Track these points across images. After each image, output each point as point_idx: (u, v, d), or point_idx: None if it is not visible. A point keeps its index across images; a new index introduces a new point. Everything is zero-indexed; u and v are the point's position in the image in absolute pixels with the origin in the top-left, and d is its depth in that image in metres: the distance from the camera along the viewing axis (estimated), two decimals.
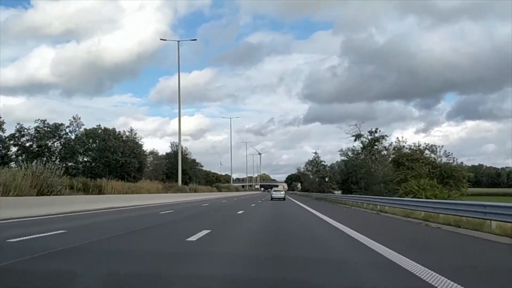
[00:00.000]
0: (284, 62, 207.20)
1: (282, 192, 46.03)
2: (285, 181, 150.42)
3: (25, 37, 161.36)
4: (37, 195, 16.45)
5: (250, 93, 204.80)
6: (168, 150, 72.37)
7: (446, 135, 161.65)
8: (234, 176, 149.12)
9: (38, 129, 39.77)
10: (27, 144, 39.66)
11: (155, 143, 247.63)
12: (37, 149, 39.13)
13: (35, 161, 26.65)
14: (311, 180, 73.36)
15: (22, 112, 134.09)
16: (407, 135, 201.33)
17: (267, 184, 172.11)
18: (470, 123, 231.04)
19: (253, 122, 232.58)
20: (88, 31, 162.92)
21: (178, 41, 49.18)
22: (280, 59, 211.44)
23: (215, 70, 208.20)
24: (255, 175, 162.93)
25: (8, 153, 39.08)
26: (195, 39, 55.32)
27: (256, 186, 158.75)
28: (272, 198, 43.47)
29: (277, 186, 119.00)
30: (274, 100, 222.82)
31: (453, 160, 35.56)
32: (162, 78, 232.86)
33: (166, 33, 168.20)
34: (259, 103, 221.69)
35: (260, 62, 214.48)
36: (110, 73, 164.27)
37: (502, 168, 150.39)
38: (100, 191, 26.63)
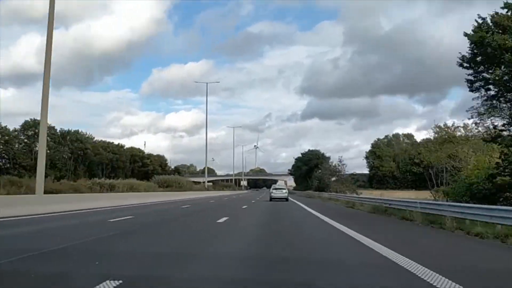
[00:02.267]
0: (285, 55, 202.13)
1: (284, 191, 35.67)
2: (291, 173, 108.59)
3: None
4: None
5: (248, 87, 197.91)
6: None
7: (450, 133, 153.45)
8: (221, 172, 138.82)
9: None
10: None
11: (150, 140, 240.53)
12: None
13: None
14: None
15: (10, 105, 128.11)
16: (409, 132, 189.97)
17: (260, 178, 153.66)
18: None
19: (250, 118, 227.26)
20: (77, 17, 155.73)
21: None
22: (281, 51, 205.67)
23: (212, 62, 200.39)
24: (248, 170, 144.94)
25: None
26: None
27: (243, 184, 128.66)
28: (271, 199, 33.85)
29: (275, 182, 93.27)
30: (272, 94, 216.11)
31: None
32: (156, 69, 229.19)
33: (161, 21, 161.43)
34: (256, 97, 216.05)
35: (260, 54, 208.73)
36: (100, 63, 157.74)
37: None
38: None
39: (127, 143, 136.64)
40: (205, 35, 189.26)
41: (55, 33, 21.16)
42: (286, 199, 33.94)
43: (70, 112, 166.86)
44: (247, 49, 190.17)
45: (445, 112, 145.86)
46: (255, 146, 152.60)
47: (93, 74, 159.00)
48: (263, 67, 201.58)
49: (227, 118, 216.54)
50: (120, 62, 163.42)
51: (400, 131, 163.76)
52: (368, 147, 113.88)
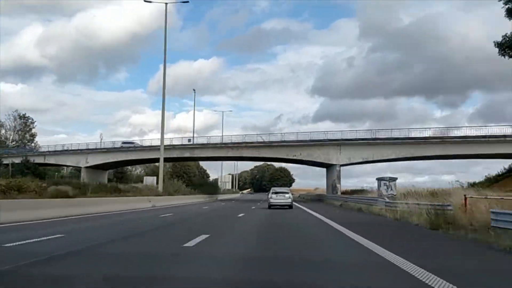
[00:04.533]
0: (298, 54, 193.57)
1: (287, 195, 27.78)
2: None
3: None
4: None
5: (258, 86, 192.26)
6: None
7: None
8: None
9: None
10: None
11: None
12: None
13: None
14: None
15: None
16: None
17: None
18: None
19: (260, 120, 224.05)
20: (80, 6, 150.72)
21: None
22: (294, 50, 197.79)
23: (222, 60, 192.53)
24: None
25: None
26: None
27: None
28: (270, 206, 26.98)
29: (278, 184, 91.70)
30: (283, 95, 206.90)
31: None
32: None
33: (168, 13, 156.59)
34: (267, 97, 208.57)
35: (272, 53, 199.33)
36: (105, 58, 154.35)
37: None
38: None
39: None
40: (214, 31, 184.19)
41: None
42: (290, 206, 26.99)
43: (75, 109, 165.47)
44: (258, 47, 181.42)
45: (463, 117, 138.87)
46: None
47: (98, 70, 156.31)
48: (274, 67, 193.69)
49: (237, 120, 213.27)
50: (127, 57, 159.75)
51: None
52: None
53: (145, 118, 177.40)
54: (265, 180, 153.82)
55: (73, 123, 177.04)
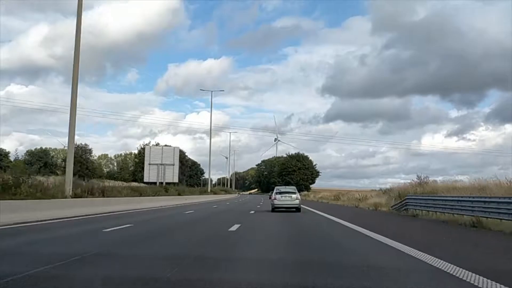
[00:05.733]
0: (310, 53, 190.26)
1: (294, 196, 22.43)
2: None
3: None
4: None
5: (269, 86, 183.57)
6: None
7: (483, 140, 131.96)
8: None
9: None
10: None
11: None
12: None
13: None
14: None
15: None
16: (437, 139, 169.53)
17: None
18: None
19: (271, 120, 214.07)
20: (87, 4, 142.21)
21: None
22: (306, 49, 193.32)
23: (232, 59, 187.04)
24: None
25: None
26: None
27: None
28: (274, 208, 22.16)
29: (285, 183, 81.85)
30: (294, 95, 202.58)
31: None
32: (171, 64, 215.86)
33: (177, 10, 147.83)
34: (277, 98, 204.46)
35: (283, 52, 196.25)
36: (111, 58, 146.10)
37: None
38: None
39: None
40: (224, 29, 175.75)
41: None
42: (297, 209, 22.26)
43: (84, 110, 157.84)
44: (269, 46, 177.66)
45: (479, 117, 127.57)
46: (275, 139, 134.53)
47: (106, 70, 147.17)
48: (285, 66, 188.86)
49: (247, 121, 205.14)
50: (134, 57, 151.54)
51: (430, 137, 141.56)
52: (395, 154, 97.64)
53: (155, 118, 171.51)
54: (273, 176, 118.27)
55: (83, 124, 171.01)
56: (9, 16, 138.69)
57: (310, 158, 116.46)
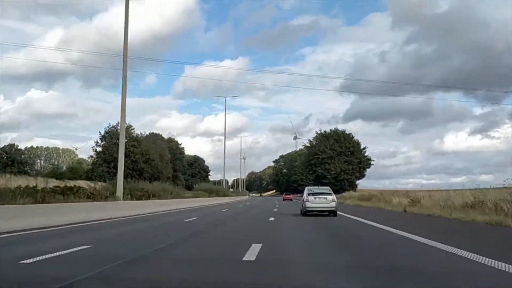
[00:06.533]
0: (328, 51, 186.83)
1: (330, 197, 19.33)
2: None
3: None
4: None
5: (288, 87, 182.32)
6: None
7: (508, 137, 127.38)
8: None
9: None
10: None
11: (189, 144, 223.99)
12: None
13: None
14: None
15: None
16: (461, 137, 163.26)
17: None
18: None
19: (288, 121, 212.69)
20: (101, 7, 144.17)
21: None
22: (324, 47, 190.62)
23: (248, 60, 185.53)
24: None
25: None
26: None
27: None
28: (306, 212, 19.25)
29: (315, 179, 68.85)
30: (312, 95, 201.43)
31: None
32: (188, 66, 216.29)
33: (192, 11, 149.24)
34: (295, 98, 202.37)
35: (301, 51, 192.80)
36: (120, 57, 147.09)
37: None
38: None
39: None
40: (240, 29, 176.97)
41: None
42: (333, 213, 19.19)
43: (102, 114, 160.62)
44: (286, 45, 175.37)
45: (504, 114, 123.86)
46: (295, 137, 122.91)
47: (121, 70, 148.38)
48: (303, 66, 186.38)
49: (265, 123, 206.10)
50: (151, 59, 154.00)
51: (453, 135, 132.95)
52: (416, 153, 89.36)
53: (172, 121, 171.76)
54: (295, 172, 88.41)
55: (100, 128, 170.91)
56: (24, 21, 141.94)
57: (355, 138, 78.73)
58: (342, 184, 71.19)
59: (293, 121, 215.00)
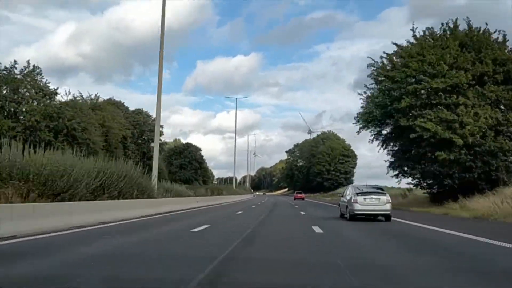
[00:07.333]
0: (343, 48, 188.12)
1: (383, 198, 16.13)
2: None
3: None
4: None
5: (301, 83, 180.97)
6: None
7: None
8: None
9: None
10: None
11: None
12: None
13: None
14: None
15: None
16: None
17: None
18: None
19: (301, 118, 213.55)
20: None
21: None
22: (338, 44, 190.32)
23: (261, 56, 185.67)
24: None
25: None
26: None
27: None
28: (353, 215, 16.25)
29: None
30: (326, 92, 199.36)
31: None
32: (200, 61, 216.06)
33: (205, 6, 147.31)
34: (309, 95, 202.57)
35: (315, 47, 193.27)
36: (138, 56, 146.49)
37: None
38: None
39: None
40: (253, 24, 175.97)
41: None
42: (387, 217, 16.25)
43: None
44: (300, 41, 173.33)
45: None
46: (309, 132, 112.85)
47: (133, 67, 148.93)
48: (316, 62, 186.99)
49: (278, 120, 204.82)
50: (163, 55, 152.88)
51: None
52: None
53: (184, 118, 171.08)
54: (319, 161, 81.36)
55: None
56: (36, 16, 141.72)
57: None
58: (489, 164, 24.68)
59: (305, 118, 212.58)
